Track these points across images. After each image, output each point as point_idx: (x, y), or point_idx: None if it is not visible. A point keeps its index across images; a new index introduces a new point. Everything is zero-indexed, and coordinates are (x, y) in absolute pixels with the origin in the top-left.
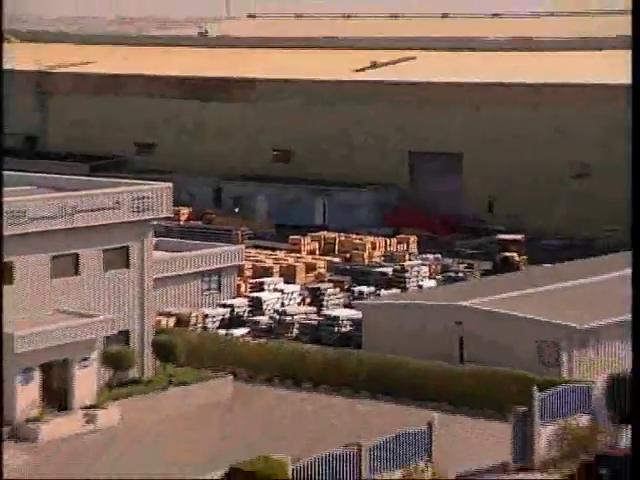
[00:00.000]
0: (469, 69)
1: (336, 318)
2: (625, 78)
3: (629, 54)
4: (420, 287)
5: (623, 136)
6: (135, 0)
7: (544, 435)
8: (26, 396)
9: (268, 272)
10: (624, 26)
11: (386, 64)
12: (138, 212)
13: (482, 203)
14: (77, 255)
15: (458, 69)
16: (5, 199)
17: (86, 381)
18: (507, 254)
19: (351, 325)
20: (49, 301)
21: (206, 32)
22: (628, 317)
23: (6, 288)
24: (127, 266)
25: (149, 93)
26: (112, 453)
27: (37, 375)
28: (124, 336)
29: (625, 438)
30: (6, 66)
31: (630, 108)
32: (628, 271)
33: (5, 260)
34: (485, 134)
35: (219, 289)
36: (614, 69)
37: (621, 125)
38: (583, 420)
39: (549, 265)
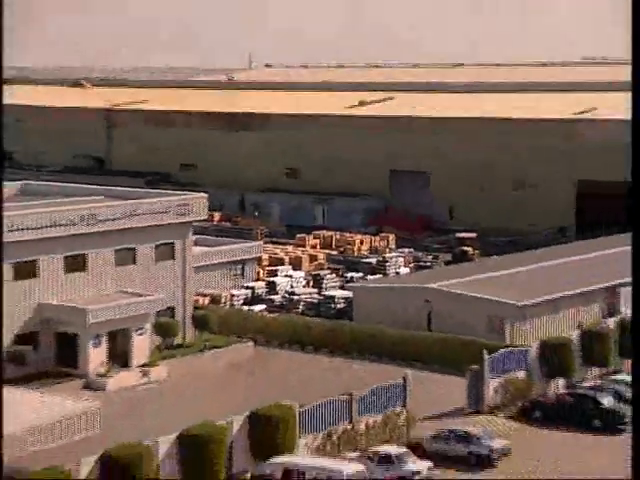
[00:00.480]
0: (436, 107)
1: (333, 297)
2: (550, 115)
3: (555, 96)
4: (397, 273)
5: (550, 158)
6: (179, 53)
7: (492, 387)
8: (96, 356)
9: (280, 262)
10: (550, 74)
11: (371, 103)
12: (181, 216)
13: (445, 209)
14: (135, 249)
15: (428, 107)
16: (79, 206)
17: (142, 345)
18: (464, 248)
19: (344, 303)
20: (113, 284)
21: (233, 78)
22: (555, 296)
23: (80, 274)
24: (173, 258)
25: (189, 125)
26: (161, 400)
27: (105, 340)
28: (170, 311)
29: (552, 389)
30: (81, 105)
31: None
32: (556, 261)
33: (79, 252)
34: (448, 157)
35: (243, 275)
36: (543, 109)
37: (548, 150)
38: (521, 375)
39: (496, 257)
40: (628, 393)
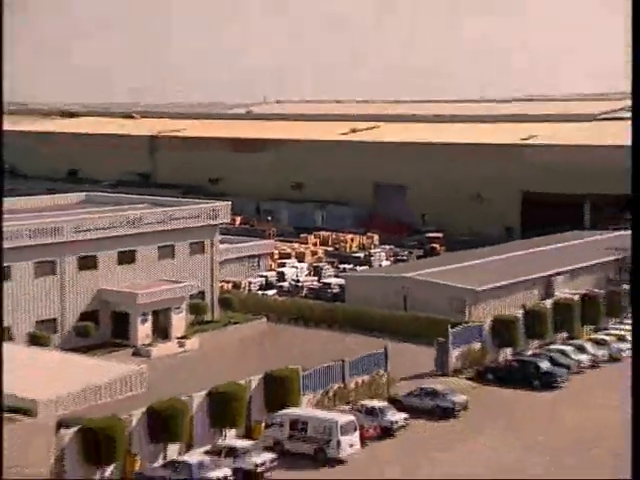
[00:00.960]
0: (413, 134)
1: (329, 284)
2: (500, 140)
3: (505, 126)
4: (380, 265)
5: (501, 174)
6: (206, 90)
7: (454, 355)
8: (143, 330)
9: (288, 256)
10: (501, 109)
11: (360, 130)
12: (209, 220)
13: (419, 215)
14: (173, 246)
15: (406, 134)
16: (129, 212)
17: (179, 321)
18: (433, 245)
19: (339, 288)
20: (156, 273)
21: (251, 111)
22: (504, 283)
23: (130, 266)
24: (203, 253)
25: (216, 148)
26: (195, 365)
27: (150, 318)
28: (201, 294)
29: (502, 356)
30: (131, 132)
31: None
32: (505, 255)
33: (130, 249)
34: (422, 174)
35: (258, 266)
36: (496, 136)
37: (499, 168)
38: (477, 346)
39: (458, 252)
40: (561, 359)
